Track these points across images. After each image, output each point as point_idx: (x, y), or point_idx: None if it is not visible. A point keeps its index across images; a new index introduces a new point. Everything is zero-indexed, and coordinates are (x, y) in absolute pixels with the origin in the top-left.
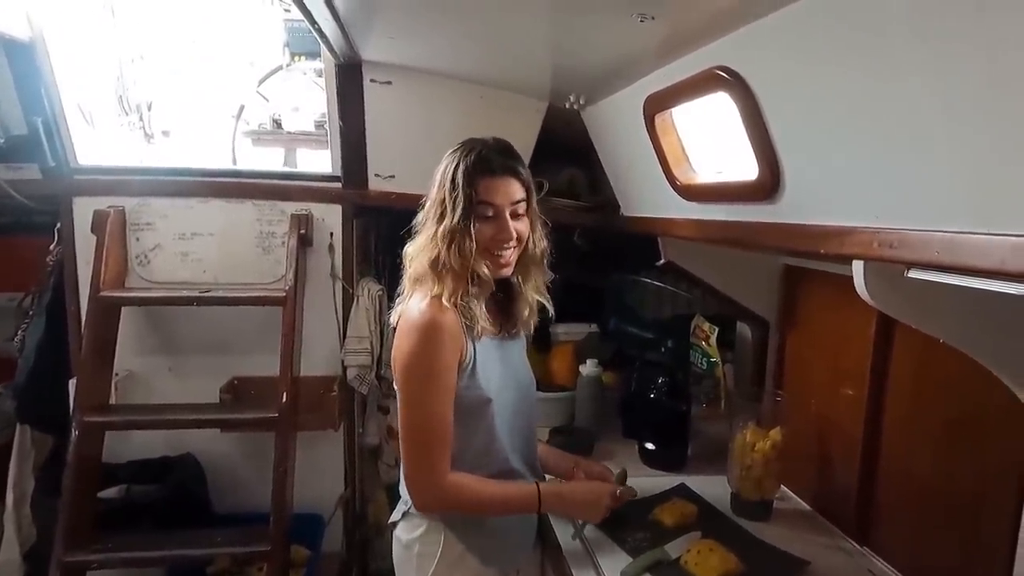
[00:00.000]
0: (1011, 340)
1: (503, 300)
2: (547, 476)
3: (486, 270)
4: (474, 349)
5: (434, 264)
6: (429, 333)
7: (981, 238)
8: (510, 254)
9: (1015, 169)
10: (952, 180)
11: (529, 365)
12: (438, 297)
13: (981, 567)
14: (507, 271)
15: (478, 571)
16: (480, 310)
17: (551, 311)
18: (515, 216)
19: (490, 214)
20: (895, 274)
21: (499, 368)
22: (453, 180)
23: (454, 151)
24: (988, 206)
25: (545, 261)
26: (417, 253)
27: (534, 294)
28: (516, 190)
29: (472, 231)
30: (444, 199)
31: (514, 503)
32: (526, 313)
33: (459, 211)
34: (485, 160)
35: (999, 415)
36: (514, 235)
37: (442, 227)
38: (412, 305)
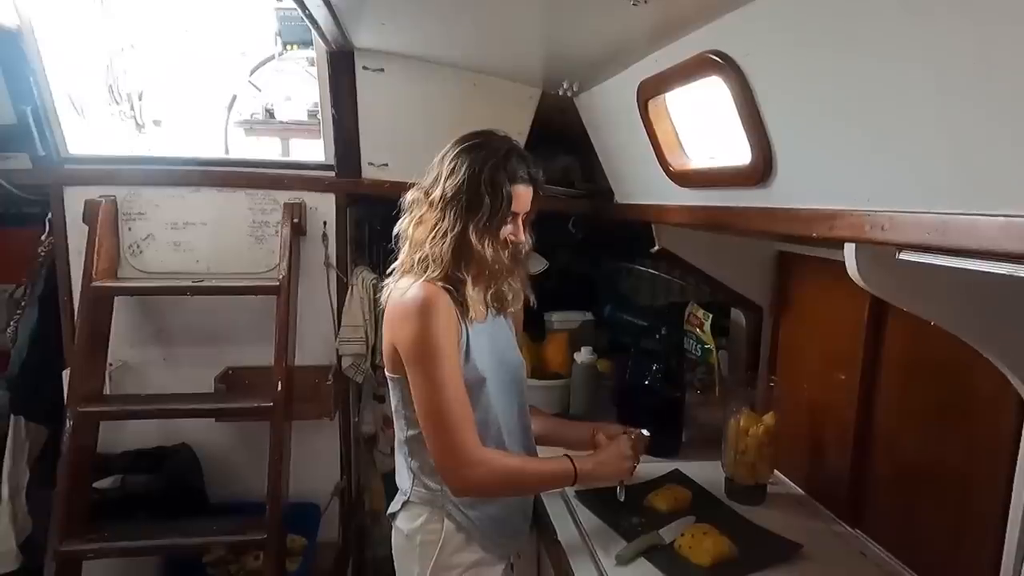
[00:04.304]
0: (1001, 321)
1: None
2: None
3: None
4: (467, 329)
5: (460, 254)
6: (431, 313)
7: (971, 219)
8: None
9: (1004, 150)
10: (942, 162)
11: (517, 347)
12: (432, 280)
13: (970, 548)
14: None
15: (480, 557)
16: (480, 297)
17: (532, 301)
18: (525, 220)
19: (509, 219)
20: (887, 256)
21: (489, 348)
22: (494, 181)
23: (477, 146)
24: (978, 187)
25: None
26: (429, 237)
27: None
28: (533, 199)
29: (502, 233)
30: (480, 195)
31: (551, 478)
32: (510, 297)
33: (498, 214)
34: (521, 168)
35: (989, 397)
36: (523, 239)
37: (476, 223)
38: (403, 287)
